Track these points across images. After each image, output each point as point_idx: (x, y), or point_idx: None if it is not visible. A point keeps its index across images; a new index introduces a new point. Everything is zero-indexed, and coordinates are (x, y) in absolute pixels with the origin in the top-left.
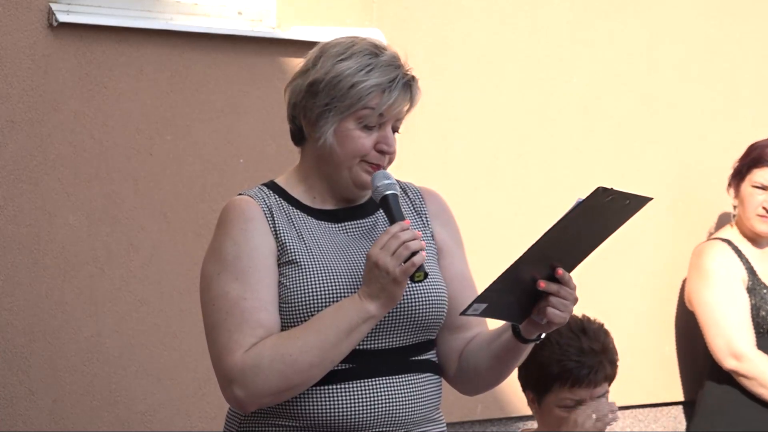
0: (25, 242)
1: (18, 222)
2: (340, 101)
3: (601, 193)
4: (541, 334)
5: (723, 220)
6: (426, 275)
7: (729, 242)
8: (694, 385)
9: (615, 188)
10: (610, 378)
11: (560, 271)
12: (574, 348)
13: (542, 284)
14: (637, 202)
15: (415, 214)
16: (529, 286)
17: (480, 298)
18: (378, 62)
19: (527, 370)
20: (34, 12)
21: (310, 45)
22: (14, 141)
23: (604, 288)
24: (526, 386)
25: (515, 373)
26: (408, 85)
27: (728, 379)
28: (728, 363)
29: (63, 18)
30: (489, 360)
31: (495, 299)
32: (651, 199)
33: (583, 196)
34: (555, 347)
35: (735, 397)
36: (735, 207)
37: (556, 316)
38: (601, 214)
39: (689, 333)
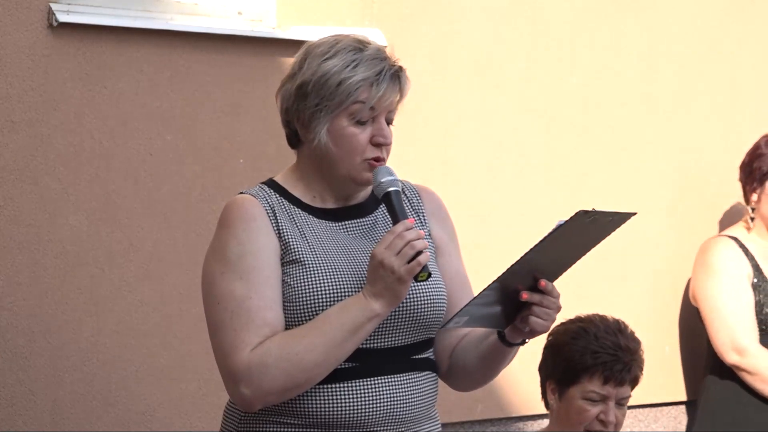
0: (25, 242)
1: (18, 222)
2: (329, 99)
3: (582, 215)
4: (525, 339)
5: (729, 216)
6: (429, 275)
7: (735, 239)
8: (694, 385)
9: (596, 209)
10: (634, 382)
11: (543, 282)
12: (612, 342)
13: (525, 295)
14: (620, 218)
15: (412, 212)
16: (513, 295)
17: (461, 312)
18: (363, 57)
19: (555, 359)
20: (34, 12)
21: None
22: (14, 141)
23: (603, 288)
24: (549, 376)
25: (517, 373)
26: (396, 75)
27: (730, 375)
28: (730, 358)
29: (63, 18)
30: (477, 360)
31: (476, 311)
32: (635, 213)
33: (565, 218)
34: (591, 339)
35: (736, 394)
36: (752, 209)
37: (538, 325)
38: (583, 231)
39: (690, 332)
